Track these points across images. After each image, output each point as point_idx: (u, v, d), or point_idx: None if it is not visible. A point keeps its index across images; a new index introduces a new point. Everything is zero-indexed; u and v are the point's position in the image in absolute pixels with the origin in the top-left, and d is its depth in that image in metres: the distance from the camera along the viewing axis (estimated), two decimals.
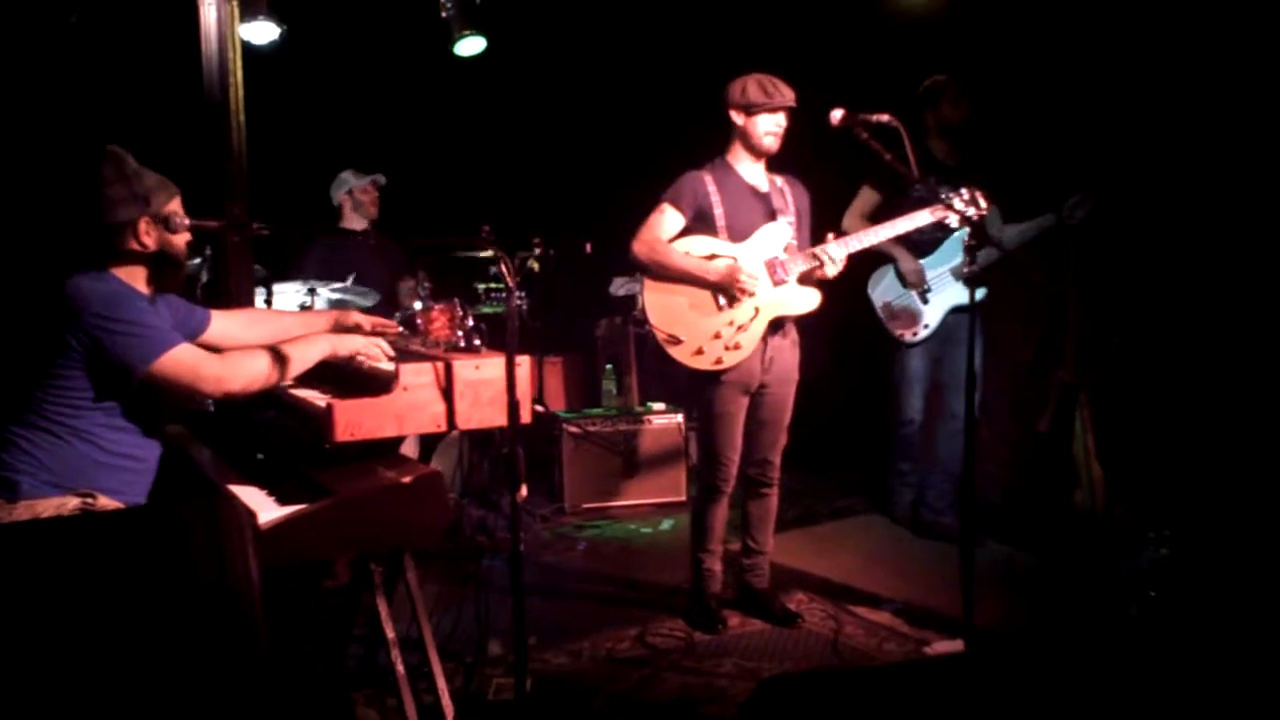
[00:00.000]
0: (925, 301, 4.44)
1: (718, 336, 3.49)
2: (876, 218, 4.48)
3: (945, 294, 4.42)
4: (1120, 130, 4.39)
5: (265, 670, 1.76)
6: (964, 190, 3.42)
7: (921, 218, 3.55)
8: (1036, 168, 4.59)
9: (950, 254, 4.41)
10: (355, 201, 5.11)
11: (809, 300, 3.56)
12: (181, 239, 2.54)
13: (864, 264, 4.56)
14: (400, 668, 2.66)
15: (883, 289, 4.55)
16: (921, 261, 4.44)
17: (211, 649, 1.61)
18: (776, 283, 3.52)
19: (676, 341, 3.50)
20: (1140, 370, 4.33)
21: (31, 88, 4.51)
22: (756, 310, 3.50)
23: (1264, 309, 3.85)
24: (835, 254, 3.50)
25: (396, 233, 4.97)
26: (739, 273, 3.43)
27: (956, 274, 4.38)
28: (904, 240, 4.47)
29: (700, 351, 3.49)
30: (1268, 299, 3.84)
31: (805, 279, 3.56)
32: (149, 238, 2.48)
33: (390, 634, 2.68)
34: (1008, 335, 4.70)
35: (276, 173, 4.52)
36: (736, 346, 3.49)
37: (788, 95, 3.49)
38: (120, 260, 2.49)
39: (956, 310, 4.39)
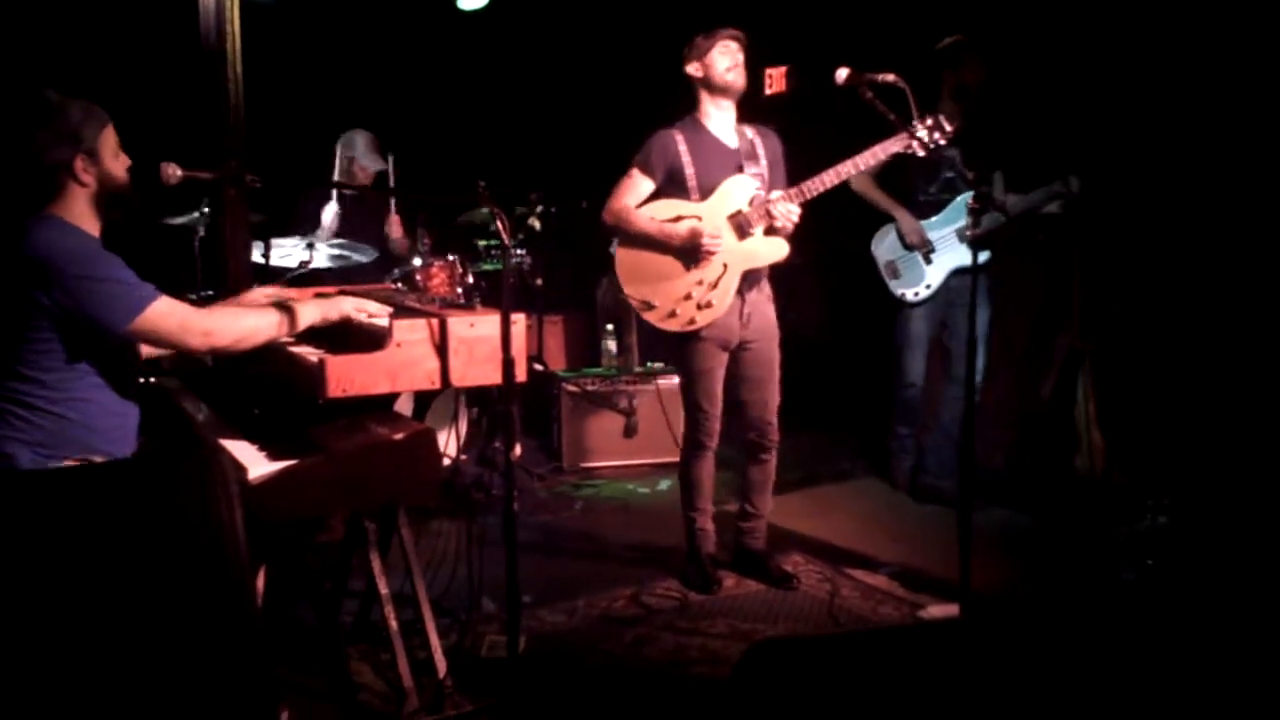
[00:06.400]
0: (929, 262, 4.40)
1: (688, 297, 3.48)
2: (882, 180, 4.44)
3: (948, 255, 4.38)
4: (1125, 104, 4.31)
5: (253, 620, 1.75)
6: (927, 118, 3.35)
7: (882, 150, 3.38)
8: (1041, 140, 4.53)
9: (955, 216, 4.36)
10: (349, 171, 5.07)
11: (777, 250, 3.53)
12: (120, 167, 2.43)
13: (869, 222, 4.53)
14: (394, 623, 2.66)
15: (886, 247, 4.50)
16: (926, 222, 4.39)
17: (197, 600, 1.60)
18: (742, 236, 3.48)
19: (649, 306, 3.50)
20: (1144, 337, 4.30)
21: (25, 34, 4.45)
22: (725, 266, 3.48)
23: (1268, 280, 3.81)
24: (787, 209, 3.42)
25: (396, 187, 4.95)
26: (702, 235, 3.41)
27: (961, 236, 4.34)
28: (907, 201, 4.44)
29: (673, 314, 3.49)
30: (1272, 270, 3.80)
31: (772, 230, 3.51)
32: (87, 175, 2.37)
33: (384, 590, 2.68)
34: (1012, 300, 4.66)
35: (274, 124, 4.46)
36: (709, 305, 3.47)
37: (731, 30, 3.50)
38: (62, 202, 2.37)
39: (959, 272, 4.36)
